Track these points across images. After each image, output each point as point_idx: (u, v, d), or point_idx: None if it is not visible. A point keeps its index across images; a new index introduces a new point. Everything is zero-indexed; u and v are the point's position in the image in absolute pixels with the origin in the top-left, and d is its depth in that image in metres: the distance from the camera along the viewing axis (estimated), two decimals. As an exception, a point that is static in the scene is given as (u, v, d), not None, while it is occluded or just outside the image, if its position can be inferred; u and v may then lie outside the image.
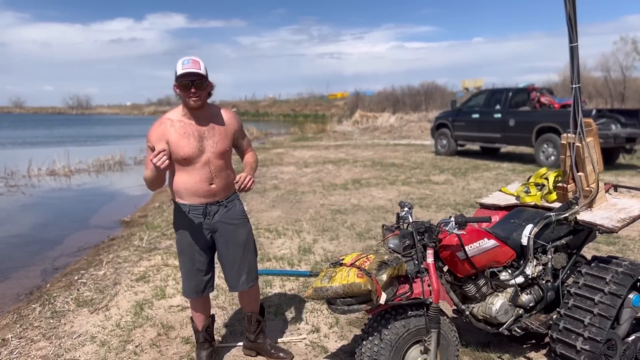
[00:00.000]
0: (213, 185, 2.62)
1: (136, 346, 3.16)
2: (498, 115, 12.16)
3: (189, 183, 2.60)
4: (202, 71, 2.48)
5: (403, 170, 11.07)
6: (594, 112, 10.30)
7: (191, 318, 2.92)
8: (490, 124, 12.33)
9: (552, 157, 10.62)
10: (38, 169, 13.22)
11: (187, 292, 2.79)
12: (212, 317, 2.94)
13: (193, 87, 2.46)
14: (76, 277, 4.67)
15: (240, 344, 3.13)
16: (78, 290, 4.28)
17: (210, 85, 2.58)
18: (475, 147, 14.42)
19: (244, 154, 2.84)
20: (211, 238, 2.73)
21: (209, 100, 2.66)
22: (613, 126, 10.33)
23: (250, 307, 2.93)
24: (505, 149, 13.51)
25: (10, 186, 11.13)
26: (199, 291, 2.76)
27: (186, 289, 2.78)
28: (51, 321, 3.63)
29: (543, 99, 12.34)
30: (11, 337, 3.40)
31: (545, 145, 10.90)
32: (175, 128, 2.54)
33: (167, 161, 2.31)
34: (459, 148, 13.97)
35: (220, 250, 2.76)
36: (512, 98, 12.18)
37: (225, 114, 2.70)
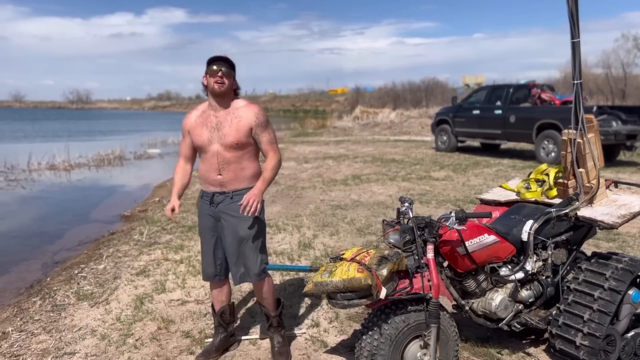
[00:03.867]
0: (220, 176, 2.72)
1: (136, 340, 3.16)
2: (499, 112, 12.14)
3: (203, 170, 2.78)
4: (231, 63, 2.69)
5: (403, 166, 11.06)
6: (594, 108, 10.28)
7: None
8: (491, 120, 12.31)
9: (553, 154, 10.61)
10: (38, 164, 13.20)
11: (202, 272, 2.93)
12: (231, 305, 2.98)
13: (220, 71, 2.64)
14: (76, 271, 4.68)
15: (241, 338, 3.13)
16: (78, 284, 4.29)
17: (236, 83, 2.75)
18: (476, 143, 14.41)
19: (265, 154, 2.78)
20: (217, 227, 2.80)
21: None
22: (614, 123, 10.32)
23: (261, 301, 2.96)
24: (506, 145, 13.49)
25: (10, 180, 11.12)
26: (207, 274, 2.88)
27: (202, 269, 2.93)
28: (51, 314, 3.64)
29: (544, 96, 12.29)
30: (12, 330, 3.41)
31: (545, 142, 10.89)
32: (197, 118, 2.77)
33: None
34: (460, 144, 13.94)
35: (223, 240, 2.80)
36: (513, 94, 12.15)
37: (245, 108, 2.72)
